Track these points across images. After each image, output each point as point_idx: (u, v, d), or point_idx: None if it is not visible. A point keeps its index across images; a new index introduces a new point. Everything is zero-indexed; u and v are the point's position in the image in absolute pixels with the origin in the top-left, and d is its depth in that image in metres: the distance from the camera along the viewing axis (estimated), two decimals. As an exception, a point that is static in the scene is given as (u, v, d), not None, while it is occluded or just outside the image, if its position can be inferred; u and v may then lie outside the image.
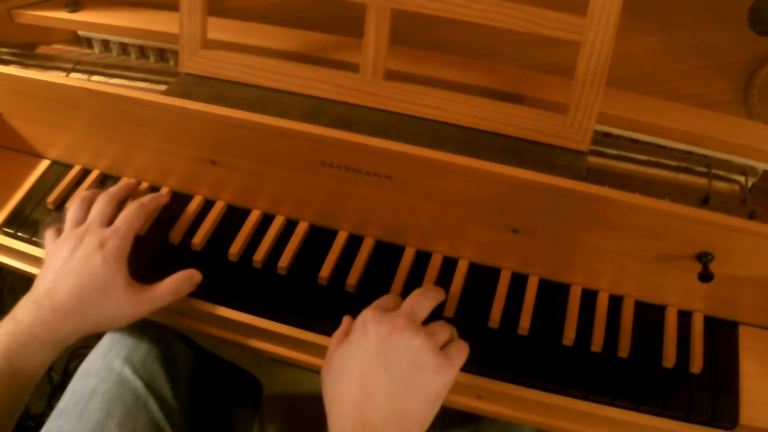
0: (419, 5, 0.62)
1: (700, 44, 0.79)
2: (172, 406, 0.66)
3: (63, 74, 0.76)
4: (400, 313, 0.53)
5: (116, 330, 0.69)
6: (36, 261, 0.70)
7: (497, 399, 0.61)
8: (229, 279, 0.66)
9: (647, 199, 0.56)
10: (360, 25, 0.64)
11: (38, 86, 0.67)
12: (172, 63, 0.81)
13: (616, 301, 0.64)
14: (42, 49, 0.83)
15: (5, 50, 0.80)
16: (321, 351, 0.63)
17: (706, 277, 0.57)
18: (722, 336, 0.62)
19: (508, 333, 0.62)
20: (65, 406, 0.63)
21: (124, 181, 0.71)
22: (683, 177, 0.66)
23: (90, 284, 0.58)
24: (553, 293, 0.65)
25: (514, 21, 0.61)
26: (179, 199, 0.71)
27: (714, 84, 0.75)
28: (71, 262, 0.59)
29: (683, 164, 0.66)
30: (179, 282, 0.62)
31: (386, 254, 0.67)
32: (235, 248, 0.67)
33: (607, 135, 0.69)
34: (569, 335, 0.61)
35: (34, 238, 0.70)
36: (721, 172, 0.66)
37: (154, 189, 0.72)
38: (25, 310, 0.57)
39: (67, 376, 1.06)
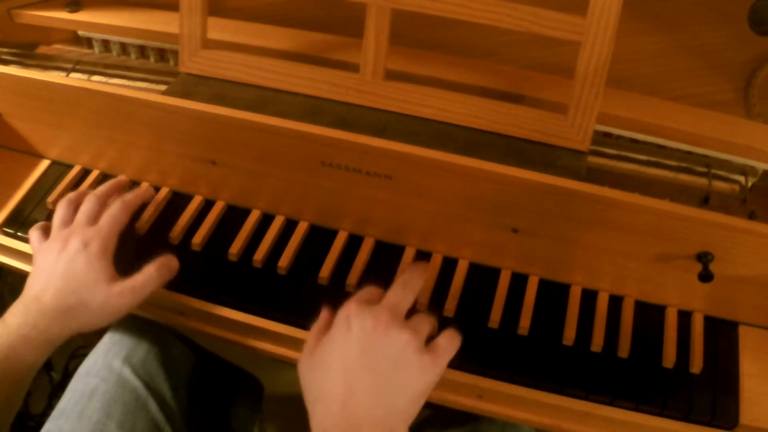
0: (419, 5, 0.62)
1: (700, 44, 0.79)
2: (171, 406, 0.66)
3: (63, 74, 0.76)
4: (384, 307, 0.51)
5: (116, 330, 0.69)
6: (36, 261, 0.70)
7: (497, 399, 0.61)
8: (229, 279, 0.66)
9: (647, 199, 0.56)
10: (360, 25, 0.64)
11: (38, 86, 0.67)
12: (172, 63, 0.81)
13: (616, 301, 0.64)
14: (42, 49, 0.83)
15: (5, 50, 0.80)
16: (321, 351, 0.63)
17: (706, 277, 0.57)
18: (722, 336, 0.62)
19: (508, 333, 0.62)
20: (65, 405, 0.63)
21: (113, 180, 0.70)
22: (683, 177, 0.66)
23: (74, 286, 0.58)
24: (553, 293, 0.65)
25: (514, 21, 0.61)
26: (179, 199, 0.71)
27: (714, 84, 0.75)
28: (58, 266, 0.59)
29: (683, 164, 0.66)
30: (159, 267, 0.61)
31: (386, 254, 0.67)
32: (235, 248, 0.67)
33: (607, 135, 0.69)
34: (569, 335, 0.61)
35: (34, 238, 0.70)
36: (721, 172, 0.66)
37: (154, 189, 0.72)
38: (14, 312, 0.58)
39: (67, 375, 1.06)
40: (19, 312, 0.57)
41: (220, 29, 0.73)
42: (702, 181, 0.65)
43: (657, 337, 0.62)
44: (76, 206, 0.65)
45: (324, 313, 0.55)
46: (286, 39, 0.74)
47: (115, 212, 0.63)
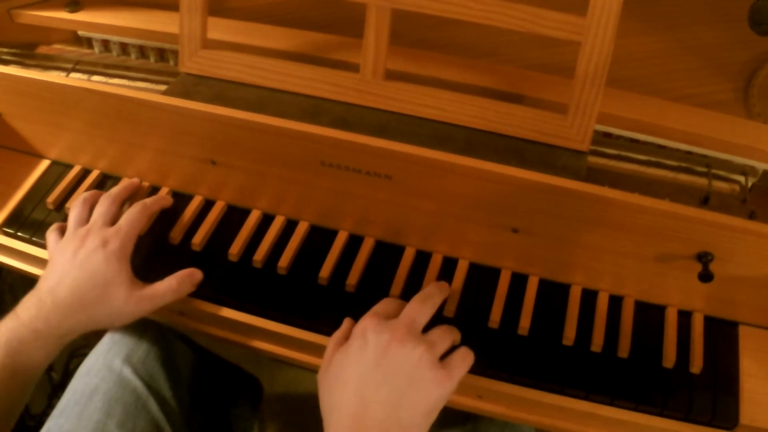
0: (419, 5, 0.62)
1: (700, 44, 0.79)
2: (172, 406, 0.66)
3: (63, 74, 0.76)
4: (400, 322, 0.53)
5: (116, 329, 0.69)
6: (36, 261, 0.70)
7: (497, 399, 0.61)
8: (229, 279, 0.66)
9: (647, 199, 0.56)
10: (360, 25, 0.64)
11: (38, 86, 0.67)
12: (172, 63, 0.81)
13: (616, 301, 0.64)
14: (42, 49, 0.83)
15: (5, 50, 0.80)
16: (321, 351, 0.63)
17: (706, 277, 0.57)
18: (722, 336, 0.62)
19: (508, 333, 0.62)
20: (66, 405, 0.63)
21: (126, 182, 0.71)
22: (683, 177, 0.66)
23: (91, 282, 0.58)
24: (553, 293, 0.65)
25: (514, 21, 0.61)
26: (179, 199, 0.71)
27: (714, 84, 0.75)
28: (74, 262, 0.59)
29: (683, 164, 0.66)
30: (180, 280, 0.62)
31: (386, 254, 0.67)
32: (235, 248, 0.67)
33: (607, 135, 0.69)
34: (569, 335, 0.61)
35: (34, 238, 0.70)
36: (721, 172, 0.66)
37: (154, 189, 0.73)
38: (27, 306, 0.58)
39: (67, 375, 1.06)
40: (31, 305, 0.57)
41: (220, 29, 0.73)
42: (702, 181, 0.65)
43: (657, 337, 0.62)
44: (91, 206, 0.65)
45: (344, 324, 0.57)
46: (286, 39, 0.74)
47: (134, 215, 0.63)
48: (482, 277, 0.66)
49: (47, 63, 0.79)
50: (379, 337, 0.51)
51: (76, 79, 0.76)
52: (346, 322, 0.57)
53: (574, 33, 0.60)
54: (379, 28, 0.64)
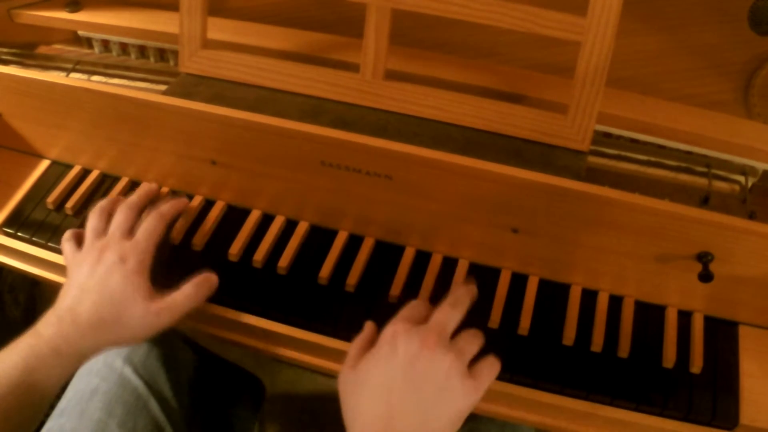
0: (419, 5, 0.62)
1: (700, 44, 0.79)
2: (172, 406, 0.66)
3: (63, 74, 0.76)
4: (430, 328, 0.52)
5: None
6: (36, 261, 0.70)
7: (497, 398, 0.61)
8: (229, 279, 0.66)
9: (647, 199, 0.56)
10: (360, 25, 0.64)
11: (38, 86, 0.67)
12: (172, 63, 0.81)
13: (616, 301, 0.64)
14: (42, 49, 0.83)
15: (5, 50, 0.80)
16: (321, 351, 0.63)
17: (706, 277, 0.57)
18: (722, 336, 0.62)
19: (508, 333, 0.62)
20: (66, 404, 0.63)
21: (144, 188, 0.69)
22: (683, 177, 0.66)
23: (110, 301, 0.57)
24: (553, 293, 0.65)
25: (514, 21, 0.61)
26: (179, 199, 0.71)
27: (714, 84, 0.75)
28: (93, 278, 0.58)
29: (683, 164, 0.66)
30: (197, 286, 0.60)
31: (386, 254, 0.67)
32: (235, 248, 0.67)
33: (607, 135, 0.69)
34: (569, 335, 0.61)
35: (34, 238, 0.70)
36: (721, 172, 0.66)
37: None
38: (47, 324, 0.56)
39: (67, 375, 1.06)
40: (52, 323, 0.56)
41: (220, 29, 0.73)
42: (702, 181, 0.65)
43: (657, 337, 0.62)
44: (108, 215, 0.64)
45: (367, 328, 0.56)
46: (286, 39, 0.74)
47: (151, 226, 0.62)
48: (482, 277, 0.66)
49: (47, 63, 0.79)
50: (409, 343, 0.51)
51: (76, 79, 0.76)
52: (369, 325, 0.56)
53: (574, 33, 0.60)
54: (379, 28, 0.64)
